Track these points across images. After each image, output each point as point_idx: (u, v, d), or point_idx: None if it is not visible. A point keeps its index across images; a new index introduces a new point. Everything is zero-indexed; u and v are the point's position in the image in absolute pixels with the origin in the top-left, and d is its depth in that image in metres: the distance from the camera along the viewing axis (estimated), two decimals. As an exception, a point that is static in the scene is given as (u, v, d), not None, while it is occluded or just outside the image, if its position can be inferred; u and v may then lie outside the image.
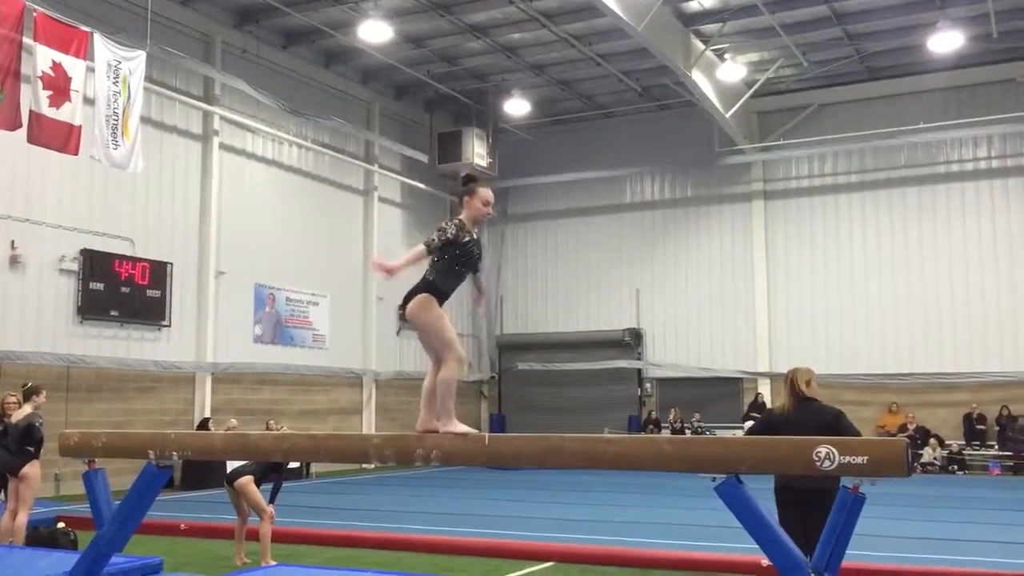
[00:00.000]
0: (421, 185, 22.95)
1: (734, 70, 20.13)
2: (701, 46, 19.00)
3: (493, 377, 25.15)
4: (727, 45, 19.80)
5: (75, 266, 15.16)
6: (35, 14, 12.66)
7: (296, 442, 5.63)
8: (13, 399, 9.55)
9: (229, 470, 8.77)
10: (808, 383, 6.06)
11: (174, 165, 17.16)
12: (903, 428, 19.91)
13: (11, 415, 9.31)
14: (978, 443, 19.89)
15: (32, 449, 8.98)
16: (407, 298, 5.04)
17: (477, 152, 22.67)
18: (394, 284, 20.86)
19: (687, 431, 21.09)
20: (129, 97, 13.87)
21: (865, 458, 3.98)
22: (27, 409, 9.10)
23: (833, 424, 5.76)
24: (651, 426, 22.10)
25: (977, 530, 10.74)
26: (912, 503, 12.87)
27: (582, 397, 23.53)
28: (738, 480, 4.29)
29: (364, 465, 19.46)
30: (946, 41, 18.51)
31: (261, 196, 19.10)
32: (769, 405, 19.93)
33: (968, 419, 20.05)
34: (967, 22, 18.36)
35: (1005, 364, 19.99)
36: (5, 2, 11.98)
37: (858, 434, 5.71)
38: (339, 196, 21.19)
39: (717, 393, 22.62)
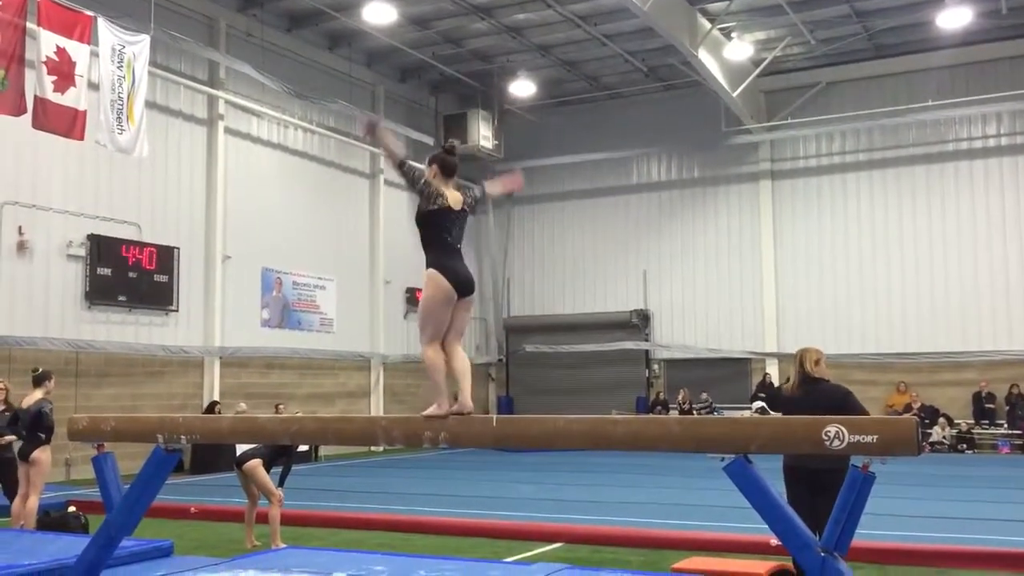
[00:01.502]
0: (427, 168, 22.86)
1: (741, 49, 20.00)
2: (707, 25, 18.87)
3: (500, 359, 25.16)
4: (734, 24, 19.66)
5: (82, 251, 15.18)
6: (38, -1, 12.63)
7: (304, 425, 5.62)
8: (0, 385, 9.58)
9: (238, 453, 8.80)
10: (817, 363, 6.04)
11: (180, 150, 17.14)
12: (908, 407, 19.89)
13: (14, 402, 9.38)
14: (987, 422, 19.85)
15: (43, 435, 9.02)
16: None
17: (483, 134, 22.60)
18: (401, 267, 20.67)
19: (695, 412, 21.09)
20: (134, 82, 13.84)
21: (875, 437, 3.95)
22: (37, 395, 9.15)
23: (841, 403, 5.74)
24: (659, 407, 22.11)
25: (986, 508, 10.73)
26: (921, 482, 12.86)
27: (590, 379, 23.54)
28: (747, 460, 4.28)
29: (372, 448, 19.53)
30: (955, 18, 18.36)
31: (267, 180, 19.08)
32: (777, 385, 19.90)
33: (977, 398, 20.01)
34: (976, -2, 18.20)
35: (1014, 342, 19.93)
36: (8, -13, 11.94)
37: (866, 413, 5.70)
38: (345, 179, 21.16)
39: (725, 374, 22.61)
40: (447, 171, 5.22)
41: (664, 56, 21.19)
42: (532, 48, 21.07)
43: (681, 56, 19.67)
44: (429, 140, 22.61)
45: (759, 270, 22.57)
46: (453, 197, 5.13)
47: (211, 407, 16.46)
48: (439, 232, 5.07)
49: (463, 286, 5.04)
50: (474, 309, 23.45)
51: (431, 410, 4.95)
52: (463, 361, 5.11)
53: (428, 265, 5.06)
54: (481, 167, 22.18)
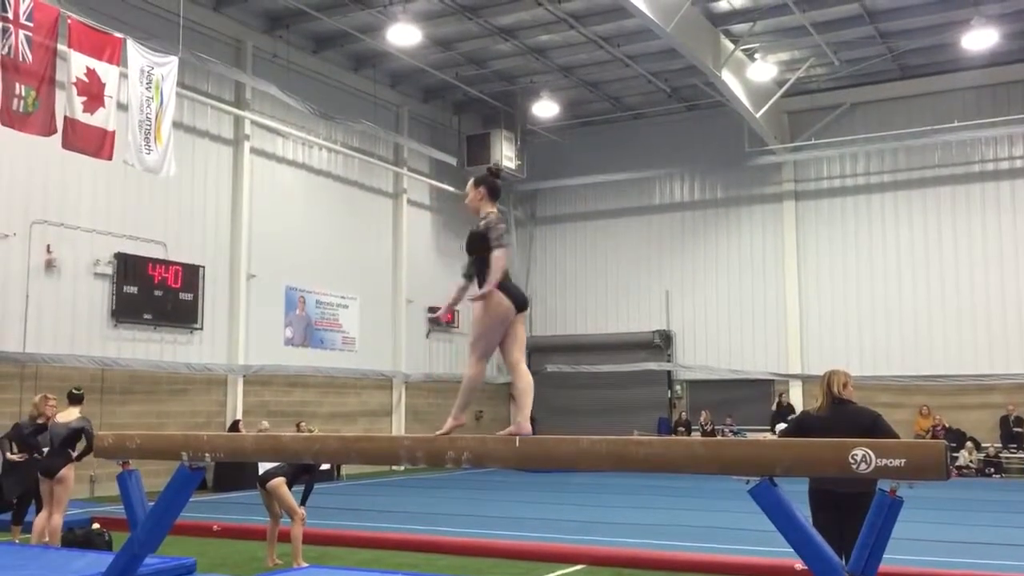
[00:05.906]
0: (450, 188, 22.96)
1: (764, 70, 19.98)
2: (731, 46, 18.87)
3: (522, 379, 25.07)
4: (757, 44, 19.66)
5: (109, 270, 15.33)
6: (69, 21, 12.81)
7: (326, 444, 5.64)
8: (53, 401, 9.65)
9: (261, 472, 8.82)
10: (845, 385, 5.99)
11: (206, 169, 17.31)
12: (929, 431, 19.64)
13: (49, 416, 9.43)
14: (1015, 446, 19.59)
15: (72, 452, 9.08)
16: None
17: (505, 154, 22.68)
18: (424, 287, 20.67)
19: (718, 433, 20.94)
20: (162, 102, 13.99)
21: (903, 461, 3.91)
22: (75, 413, 9.21)
23: (870, 426, 5.68)
24: (681, 428, 21.98)
25: (1015, 534, 10.57)
26: (948, 506, 12.70)
27: (612, 399, 23.44)
28: (772, 482, 4.24)
29: (394, 467, 19.52)
30: (980, 39, 18.26)
31: (292, 199, 19.22)
32: (797, 408, 19.75)
33: (1005, 421, 19.75)
34: (1001, 19, 18.09)
35: (1042, 365, 19.68)
36: (39, 9, 12.12)
37: (897, 436, 5.63)
38: (368, 199, 21.27)
39: (748, 395, 22.45)
40: (494, 195, 5.48)
41: (687, 77, 21.20)
42: (555, 69, 21.14)
43: (704, 77, 19.67)
44: (452, 160, 22.73)
45: (783, 291, 22.44)
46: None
47: (234, 425, 16.52)
48: None
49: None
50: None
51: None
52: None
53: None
54: (504, 187, 22.14)
